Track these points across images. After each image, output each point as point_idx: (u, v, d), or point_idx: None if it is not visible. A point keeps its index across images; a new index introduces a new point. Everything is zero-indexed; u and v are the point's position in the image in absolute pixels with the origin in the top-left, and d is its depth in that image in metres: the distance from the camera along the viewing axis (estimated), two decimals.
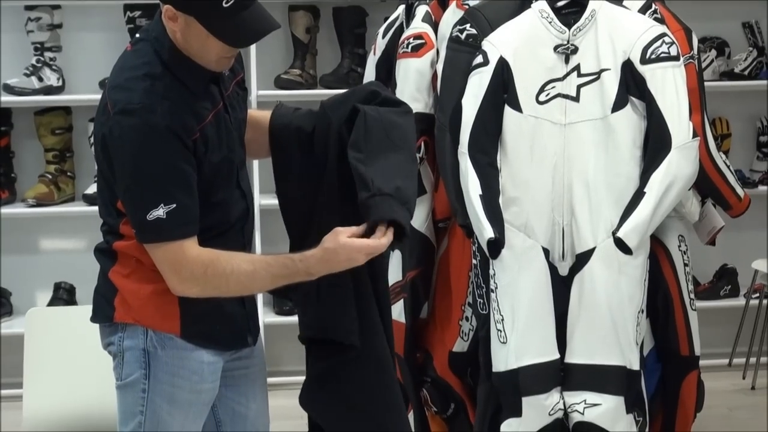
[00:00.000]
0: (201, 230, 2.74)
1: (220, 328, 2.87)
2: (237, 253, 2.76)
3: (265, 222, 5.12)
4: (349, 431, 2.95)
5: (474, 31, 3.76)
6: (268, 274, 2.74)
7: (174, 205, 2.66)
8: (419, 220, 3.92)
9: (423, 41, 3.92)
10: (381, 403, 2.95)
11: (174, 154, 2.67)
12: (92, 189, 5.24)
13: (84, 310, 2.95)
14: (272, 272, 2.74)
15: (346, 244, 2.70)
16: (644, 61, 3.60)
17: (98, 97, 2.81)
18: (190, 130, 2.69)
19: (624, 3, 3.77)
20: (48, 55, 5.33)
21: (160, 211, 2.65)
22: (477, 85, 3.68)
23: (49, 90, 5.32)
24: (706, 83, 3.96)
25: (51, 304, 5.36)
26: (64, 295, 5.39)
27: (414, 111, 3.64)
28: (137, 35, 2.81)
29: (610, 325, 3.62)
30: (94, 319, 2.89)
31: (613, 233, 3.60)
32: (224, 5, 2.62)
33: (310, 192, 2.90)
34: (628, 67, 3.61)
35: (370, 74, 4.19)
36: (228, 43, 2.70)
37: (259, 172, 5.17)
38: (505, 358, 3.66)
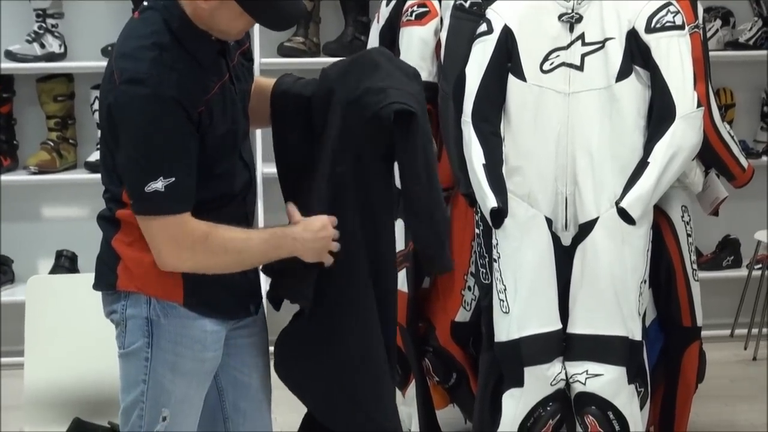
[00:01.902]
0: (204, 201, 2.73)
1: (223, 297, 2.86)
2: (229, 226, 2.76)
3: (267, 191, 5.08)
4: (313, 402, 2.99)
5: None
6: (260, 241, 2.77)
7: (173, 180, 2.64)
8: None
9: (427, 9, 3.91)
10: (350, 383, 2.94)
11: (179, 126, 2.65)
12: (94, 156, 5.23)
13: (86, 278, 2.94)
14: (263, 238, 2.78)
15: (321, 220, 2.81)
16: (649, 30, 3.58)
17: (101, 64, 2.81)
18: (196, 102, 2.67)
19: None
20: (50, 21, 5.31)
21: (158, 184, 2.63)
22: (481, 54, 3.66)
23: (51, 57, 5.29)
24: (710, 53, 3.95)
25: (53, 271, 5.36)
26: (66, 263, 5.39)
27: None
28: (144, 3, 2.78)
29: (613, 295, 3.62)
30: (96, 286, 2.88)
31: (617, 203, 3.60)
32: None
33: (308, 160, 2.88)
34: (632, 36, 3.59)
35: (373, 42, 4.17)
36: (268, 26, 2.74)
37: (262, 140, 5.16)
38: (507, 327, 3.65)
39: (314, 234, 2.81)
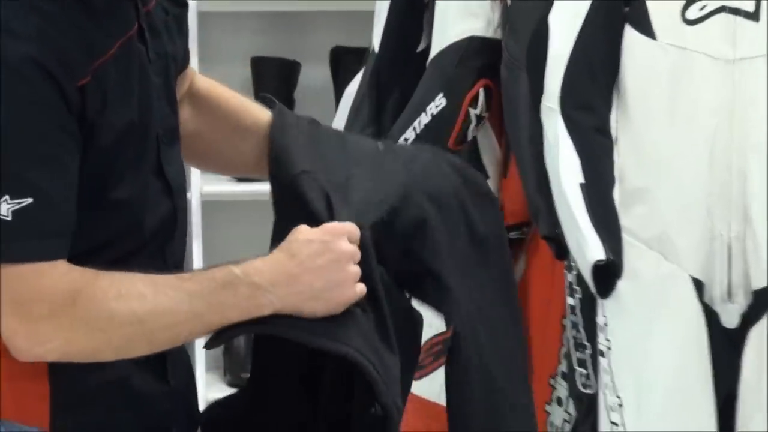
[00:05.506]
0: (90, 252, 2.29)
1: (122, 419, 2.40)
2: (133, 273, 2.33)
3: (208, 222, 4.53)
4: None
5: None
6: (180, 295, 2.29)
7: (30, 200, 2.23)
8: None
9: None
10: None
11: (43, 108, 2.24)
12: None
13: None
14: (191, 290, 2.29)
15: (319, 230, 2.34)
16: None
17: None
18: (75, 69, 2.28)
19: None
20: None
21: (1, 207, 2.23)
22: None
23: None
24: None
25: None
26: None
27: (469, 34, 3.46)
28: None
29: None
30: None
31: None
32: None
33: None
34: None
35: None
36: None
37: None
38: None
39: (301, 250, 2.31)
